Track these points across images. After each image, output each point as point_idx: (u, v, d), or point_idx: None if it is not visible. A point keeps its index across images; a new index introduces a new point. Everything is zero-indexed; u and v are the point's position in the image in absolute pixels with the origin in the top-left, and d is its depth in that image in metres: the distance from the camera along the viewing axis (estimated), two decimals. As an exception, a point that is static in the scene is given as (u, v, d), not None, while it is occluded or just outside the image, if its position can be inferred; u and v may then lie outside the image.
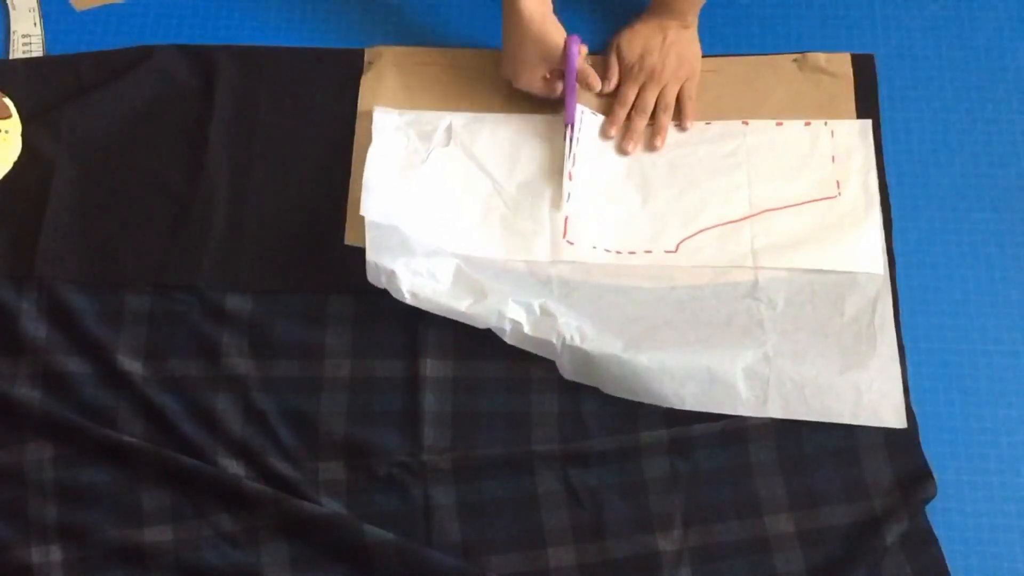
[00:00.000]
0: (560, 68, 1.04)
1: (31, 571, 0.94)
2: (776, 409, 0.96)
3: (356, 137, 1.09)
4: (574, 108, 1.05)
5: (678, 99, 1.09)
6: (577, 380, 0.98)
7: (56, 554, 0.94)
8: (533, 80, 1.05)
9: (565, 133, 1.06)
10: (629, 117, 1.08)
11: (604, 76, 1.10)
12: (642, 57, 1.08)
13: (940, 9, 1.14)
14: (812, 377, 0.97)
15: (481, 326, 0.98)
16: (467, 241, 1.04)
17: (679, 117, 1.09)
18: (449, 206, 1.05)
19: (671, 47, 1.08)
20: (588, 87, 1.06)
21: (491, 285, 0.99)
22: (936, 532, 0.93)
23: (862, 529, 0.93)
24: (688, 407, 0.96)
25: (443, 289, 0.99)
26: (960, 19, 1.14)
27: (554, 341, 0.98)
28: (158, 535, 0.95)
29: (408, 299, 0.98)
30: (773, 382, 0.97)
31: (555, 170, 1.07)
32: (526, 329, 0.98)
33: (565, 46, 1.02)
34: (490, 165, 1.07)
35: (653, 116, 1.08)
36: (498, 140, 1.08)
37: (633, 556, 0.94)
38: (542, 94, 1.07)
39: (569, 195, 1.05)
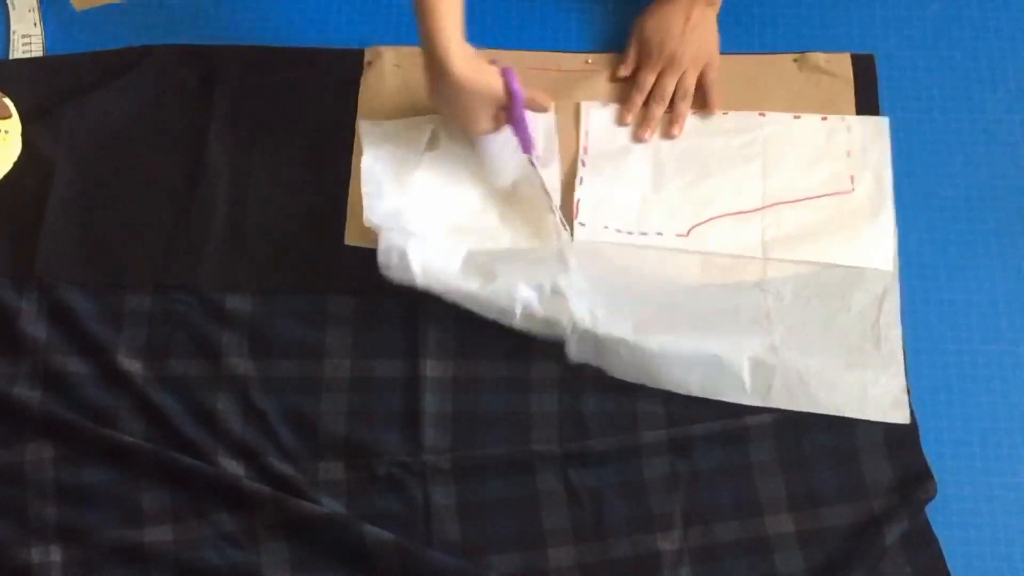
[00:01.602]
0: (505, 105, 1.00)
1: (31, 571, 0.94)
2: (781, 400, 0.96)
3: (356, 137, 1.09)
4: (531, 137, 1.02)
5: (701, 86, 1.07)
6: (583, 361, 0.98)
7: (56, 554, 0.94)
8: (485, 125, 1.00)
9: (530, 161, 1.03)
10: (647, 104, 1.07)
11: (621, 60, 1.09)
12: (662, 42, 1.06)
13: (940, 9, 1.14)
14: (817, 370, 0.97)
15: (490, 311, 0.98)
16: (472, 232, 1.04)
17: (700, 104, 1.07)
18: (449, 203, 1.05)
19: (692, 31, 1.06)
20: (542, 109, 1.02)
21: (501, 268, 0.99)
22: (936, 532, 0.93)
23: (862, 529, 0.93)
24: (694, 393, 0.97)
25: (453, 270, 0.99)
26: (960, 19, 1.14)
27: (564, 322, 0.98)
28: (158, 535, 0.95)
29: (418, 277, 0.98)
30: (779, 373, 0.97)
31: (555, 156, 1.06)
32: (536, 309, 0.98)
33: (505, 83, 0.98)
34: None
35: (671, 103, 1.07)
36: None
37: (633, 556, 0.94)
38: (495, 132, 1.02)
39: (581, 179, 1.05)
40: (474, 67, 0.96)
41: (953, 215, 1.06)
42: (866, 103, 1.09)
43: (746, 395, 0.97)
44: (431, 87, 0.99)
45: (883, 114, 1.09)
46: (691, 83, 1.07)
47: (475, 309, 0.99)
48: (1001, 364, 1.00)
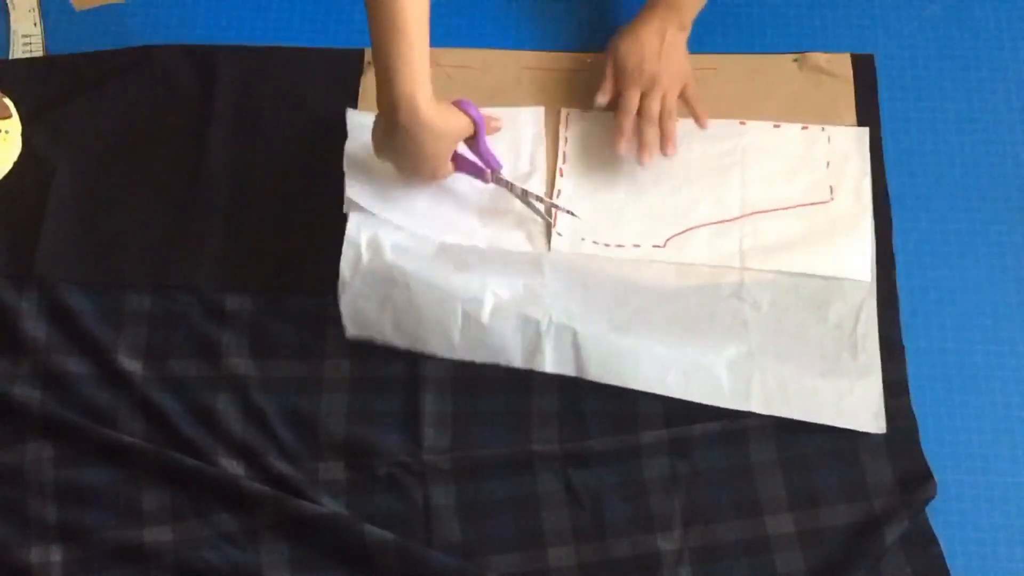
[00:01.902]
0: (466, 136, 0.99)
1: (31, 571, 0.94)
2: (758, 404, 0.96)
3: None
4: (495, 155, 1.01)
5: (684, 102, 1.07)
6: (557, 371, 0.98)
7: (56, 554, 0.94)
8: (449, 167, 1.00)
9: (499, 178, 1.03)
10: (640, 129, 1.05)
11: (598, 88, 1.08)
12: (640, 64, 1.05)
13: (940, 9, 1.14)
14: (794, 376, 0.97)
15: (457, 301, 0.97)
16: (449, 231, 1.04)
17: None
18: (430, 198, 1.05)
19: (668, 51, 1.06)
20: (498, 130, 1.04)
21: (475, 260, 1.00)
22: (936, 532, 0.93)
23: (862, 529, 0.93)
24: (671, 394, 0.97)
25: (426, 254, 1.00)
26: (960, 19, 1.14)
27: (539, 316, 0.98)
28: (158, 535, 0.95)
29: (389, 257, 0.99)
30: (756, 378, 0.97)
31: (541, 163, 1.06)
32: (508, 303, 0.98)
33: (468, 114, 0.97)
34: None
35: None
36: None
37: (633, 556, 0.94)
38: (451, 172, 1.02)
39: (559, 191, 1.05)
40: (443, 110, 0.95)
41: (953, 215, 1.06)
42: (866, 103, 1.09)
43: (724, 398, 0.96)
44: (389, 137, 0.95)
45: (883, 114, 1.09)
46: (674, 101, 1.06)
47: (440, 302, 0.98)
48: (1001, 364, 1.00)
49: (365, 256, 1.00)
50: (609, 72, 1.07)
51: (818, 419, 0.96)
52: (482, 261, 1.01)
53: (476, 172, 1.02)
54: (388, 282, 0.99)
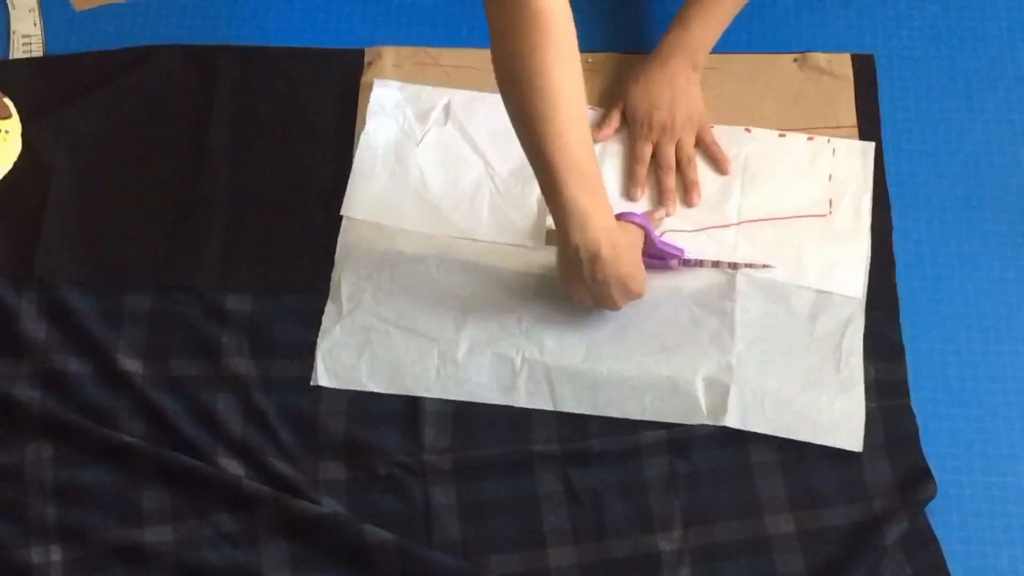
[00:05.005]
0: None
1: (31, 571, 0.93)
2: (735, 419, 0.96)
3: (356, 136, 1.09)
4: (673, 246, 1.00)
5: (704, 149, 1.07)
6: (531, 405, 0.98)
7: (56, 554, 0.94)
8: (644, 273, 0.97)
9: (684, 266, 1.02)
10: (657, 177, 1.06)
11: (603, 122, 1.08)
12: (650, 114, 1.06)
13: (940, 9, 1.14)
14: (774, 390, 0.97)
15: (435, 344, 0.99)
16: (454, 223, 1.04)
17: (704, 167, 1.07)
18: (439, 188, 1.06)
19: (679, 98, 1.05)
20: (663, 218, 1.04)
21: (456, 303, 1.01)
22: (936, 532, 0.93)
23: (862, 529, 0.93)
24: (648, 417, 0.97)
25: (404, 298, 1.01)
26: (960, 19, 1.14)
27: (513, 356, 0.98)
28: (158, 535, 0.95)
29: (369, 305, 1.00)
30: (733, 392, 0.97)
31: None
32: (483, 343, 0.99)
33: (633, 223, 0.97)
34: (484, 147, 1.08)
35: (679, 171, 1.06)
36: (495, 121, 1.07)
37: (633, 556, 0.94)
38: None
39: None
40: (623, 227, 0.95)
41: (953, 215, 1.06)
42: (866, 103, 1.09)
43: (701, 415, 0.96)
44: (591, 275, 0.93)
45: (883, 114, 1.09)
46: (691, 147, 1.06)
47: (417, 345, 1.00)
48: (1001, 364, 1.00)
49: (346, 308, 1.01)
50: (616, 115, 1.08)
51: (795, 436, 0.96)
52: (465, 292, 1.01)
53: (661, 264, 1.01)
54: (367, 329, 1.00)
